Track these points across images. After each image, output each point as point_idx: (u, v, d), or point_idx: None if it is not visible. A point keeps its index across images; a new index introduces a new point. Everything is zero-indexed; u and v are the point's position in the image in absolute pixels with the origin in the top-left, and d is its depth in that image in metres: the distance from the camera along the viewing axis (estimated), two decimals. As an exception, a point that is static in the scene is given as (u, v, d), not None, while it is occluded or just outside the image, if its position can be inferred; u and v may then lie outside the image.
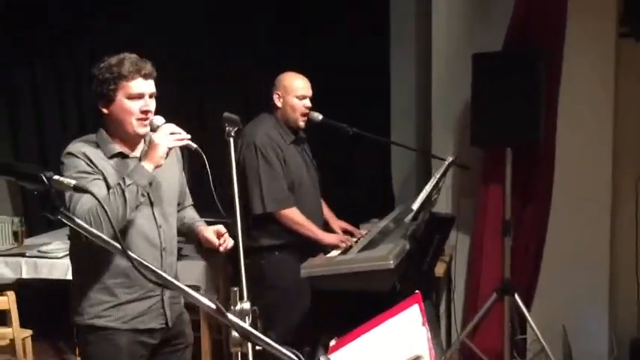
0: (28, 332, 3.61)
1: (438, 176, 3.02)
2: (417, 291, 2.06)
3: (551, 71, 3.69)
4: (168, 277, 1.15)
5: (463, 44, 4.00)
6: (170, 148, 2.18)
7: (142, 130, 2.20)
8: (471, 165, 3.78)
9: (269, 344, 1.03)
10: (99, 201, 1.24)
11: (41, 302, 4.48)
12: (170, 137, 2.16)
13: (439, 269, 3.67)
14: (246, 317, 1.39)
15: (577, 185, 3.90)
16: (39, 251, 4.04)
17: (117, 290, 2.21)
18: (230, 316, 1.06)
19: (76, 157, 2.14)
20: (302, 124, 3.28)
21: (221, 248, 2.34)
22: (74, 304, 2.26)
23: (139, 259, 1.15)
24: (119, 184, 2.10)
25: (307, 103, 3.26)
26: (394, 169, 4.69)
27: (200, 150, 2.18)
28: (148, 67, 2.20)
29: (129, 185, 2.08)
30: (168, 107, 2.42)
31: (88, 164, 2.14)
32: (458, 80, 3.98)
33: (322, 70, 4.37)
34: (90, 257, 2.18)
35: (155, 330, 2.31)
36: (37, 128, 5.33)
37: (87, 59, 5.04)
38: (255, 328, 1.22)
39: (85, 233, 1.14)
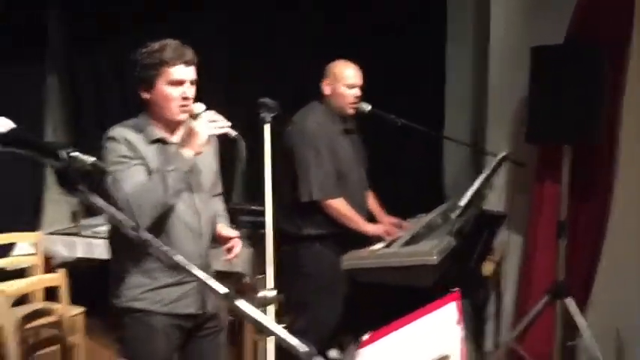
0: (81, 309, 3.73)
1: (488, 172, 2.93)
2: (456, 288, 2.01)
3: (615, 67, 3.51)
4: (176, 258, 1.13)
5: (523, 36, 3.85)
6: (210, 136, 2.19)
7: (181, 117, 2.21)
8: (525, 162, 3.64)
9: (282, 336, 0.99)
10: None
11: (96, 281, 4.62)
12: (210, 125, 2.17)
13: (487, 268, 3.57)
14: (270, 305, 1.37)
15: (639, 188, 3.72)
16: (93, 232, 4.17)
17: (156, 273, 2.23)
18: (241, 304, 1.04)
19: (118, 142, 2.16)
20: (351, 111, 3.24)
21: (228, 255, 2.37)
22: (112, 286, 2.29)
23: (157, 242, 1.14)
24: (160, 170, 2.12)
25: (357, 92, 3.22)
26: (446, 164, 4.58)
27: (240, 137, 2.20)
28: (190, 53, 2.21)
29: (170, 171, 2.10)
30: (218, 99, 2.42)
31: (128, 149, 2.16)
32: (516, 74, 3.84)
33: (377, 61, 4.33)
34: (130, 240, 2.19)
35: (192, 315, 2.33)
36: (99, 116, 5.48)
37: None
38: (280, 316, 1.20)
39: (105, 212, 1.14)
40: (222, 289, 1.07)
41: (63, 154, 1.07)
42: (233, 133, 2.18)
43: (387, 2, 4.45)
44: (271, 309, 1.42)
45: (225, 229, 2.43)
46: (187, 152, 2.14)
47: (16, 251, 4.21)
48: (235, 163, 2.28)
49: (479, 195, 3.00)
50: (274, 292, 1.40)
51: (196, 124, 2.16)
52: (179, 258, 1.12)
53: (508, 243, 4.03)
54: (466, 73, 4.52)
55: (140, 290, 2.24)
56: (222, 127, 2.19)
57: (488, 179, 3.00)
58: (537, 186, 3.87)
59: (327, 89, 3.23)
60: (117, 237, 2.29)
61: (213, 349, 2.43)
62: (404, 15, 4.46)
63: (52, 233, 4.27)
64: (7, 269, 4.34)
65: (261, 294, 1.39)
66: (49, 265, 5.02)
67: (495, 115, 4.10)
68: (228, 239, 2.39)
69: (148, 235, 1.11)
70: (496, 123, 4.10)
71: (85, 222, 4.51)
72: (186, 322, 2.32)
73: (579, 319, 3.53)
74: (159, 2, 4.89)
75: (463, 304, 1.85)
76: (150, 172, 2.15)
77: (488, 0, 4.05)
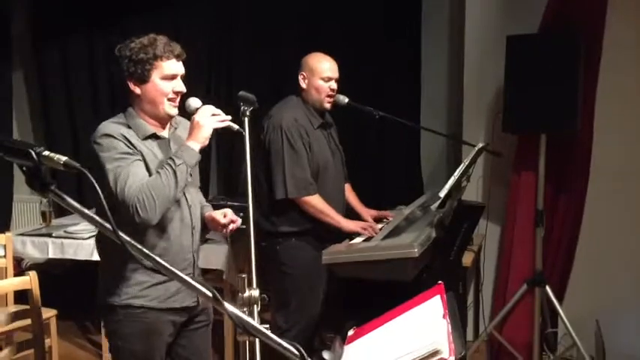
0: (53, 312, 3.64)
1: (466, 163, 2.91)
2: (439, 282, 1.99)
3: (589, 57, 3.53)
4: (161, 261, 1.09)
5: (497, 27, 3.87)
6: (215, 129, 2.18)
7: (172, 111, 2.22)
8: (503, 152, 3.64)
9: (268, 336, 0.95)
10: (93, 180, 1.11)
11: (68, 282, 4.52)
12: (213, 118, 2.16)
13: (467, 259, 3.56)
14: (255, 305, 1.33)
15: (614, 176, 3.75)
16: (65, 232, 4.07)
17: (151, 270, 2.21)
18: (227, 305, 1.00)
19: (115, 138, 2.12)
20: (327, 105, 3.19)
21: (227, 227, 2.32)
22: (107, 284, 2.25)
23: (132, 241, 1.09)
24: (169, 164, 2.10)
25: (333, 85, 3.17)
26: (424, 155, 4.57)
27: (243, 131, 2.15)
28: (179, 48, 2.22)
29: (179, 165, 2.10)
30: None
31: (127, 145, 2.13)
32: (491, 64, 3.85)
33: (352, 53, 4.31)
34: (132, 237, 2.15)
35: (187, 308, 2.32)
36: (67, 109, 5.36)
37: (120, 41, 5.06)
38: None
39: (78, 212, 1.08)
40: (207, 290, 1.02)
41: (34, 153, 1.01)
42: (235, 126, 2.15)
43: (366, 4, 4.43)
44: (256, 309, 1.38)
45: (215, 212, 2.39)
46: (194, 145, 2.14)
47: (-15, 252, 4.09)
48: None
49: (458, 186, 2.99)
50: (258, 292, 1.35)
51: (199, 118, 2.15)
52: (160, 259, 1.06)
53: (486, 233, 4.03)
54: (441, 63, 4.52)
55: (140, 287, 2.22)
56: (224, 121, 2.18)
57: (466, 170, 2.98)
58: (515, 176, 3.87)
59: (303, 82, 3.18)
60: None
61: (203, 342, 2.43)
62: (379, 5, 4.42)
63: (22, 234, 4.15)
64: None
65: (246, 293, 1.35)
66: (20, 267, 4.93)
67: (472, 105, 4.10)
68: (222, 219, 2.33)
69: (126, 237, 1.05)
70: (473, 113, 4.11)
71: (56, 222, 4.40)
72: (180, 317, 2.32)
73: (557, 308, 3.56)
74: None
75: (448, 296, 1.82)
76: (147, 167, 2.14)
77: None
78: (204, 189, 5.06)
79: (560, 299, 3.76)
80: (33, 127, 5.65)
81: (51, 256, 4.05)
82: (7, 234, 3.79)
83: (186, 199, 2.29)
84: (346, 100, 3.20)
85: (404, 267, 2.63)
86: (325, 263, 2.78)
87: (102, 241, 2.31)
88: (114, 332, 2.28)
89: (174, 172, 2.08)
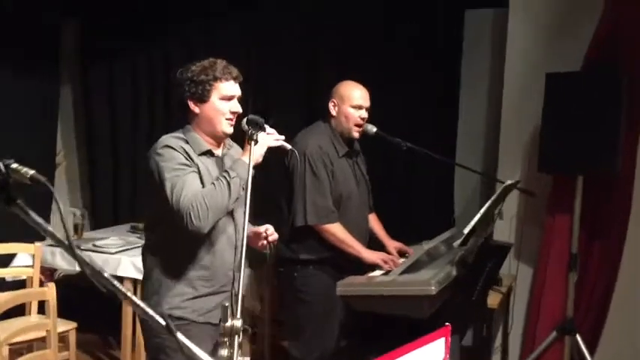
0: (73, 325, 3.66)
1: (492, 200, 2.81)
2: (447, 324, 1.91)
3: (632, 94, 3.39)
4: (119, 286, 1.06)
5: (538, 63, 3.76)
6: (269, 147, 2.25)
7: (228, 130, 2.32)
8: (536, 192, 3.51)
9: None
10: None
11: (95, 296, 4.56)
12: (268, 137, 2.25)
13: (493, 300, 3.43)
14: (237, 335, 1.28)
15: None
16: (94, 245, 4.11)
17: (197, 283, 2.28)
18: (180, 336, 0.96)
19: (175, 149, 2.22)
20: (356, 134, 3.15)
21: (267, 239, 2.38)
22: (150, 294, 2.30)
23: (88, 261, 1.06)
24: (224, 176, 2.19)
25: (363, 114, 3.13)
26: (457, 190, 4.46)
27: (295, 151, 2.32)
28: (236, 71, 2.33)
29: (233, 178, 2.18)
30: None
31: (185, 157, 2.22)
32: (531, 101, 3.74)
33: (389, 84, 4.27)
34: (175, 249, 2.27)
35: None
36: (112, 124, 5.47)
37: (161, 61, 5.17)
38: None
39: (38, 228, 1.06)
40: (161, 319, 0.99)
41: (2, 166, 1.00)
42: (288, 146, 2.26)
43: (402, 29, 4.39)
44: (237, 339, 1.32)
45: (254, 227, 2.43)
46: (247, 161, 2.18)
47: (16, 262, 4.17)
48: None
49: (484, 224, 2.89)
50: (241, 322, 1.30)
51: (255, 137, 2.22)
52: (116, 283, 1.03)
53: (517, 274, 3.89)
54: (480, 98, 4.41)
55: (181, 299, 2.27)
56: (278, 140, 2.27)
57: (493, 208, 2.88)
58: (549, 217, 3.74)
59: (333, 109, 3.15)
60: (161, 246, 2.32)
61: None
62: (419, 42, 4.37)
63: (52, 245, 4.21)
64: (7, 280, 4.33)
65: (228, 323, 1.30)
66: (52, 278, 5.01)
67: (508, 141, 3.99)
68: (260, 233, 2.39)
69: (83, 256, 1.03)
70: (509, 150, 3.99)
71: (87, 235, 4.47)
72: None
73: (587, 359, 3.38)
74: (168, 12, 4.90)
75: (452, 340, 1.74)
76: (201, 180, 2.22)
77: (505, 27, 3.96)
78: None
79: (592, 350, 3.58)
80: (77, 143, 5.78)
81: (78, 268, 4.09)
82: (37, 244, 3.85)
83: (234, 218, 2.35)
84: (374, 129, 3.15)
85: (420, 304, 2.54)
86: (339, 294, 2.71)
87: (156, 251, 2.36)
88: (156, 346, 2.28)
89: (228, 184, 2.17)
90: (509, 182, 3.01)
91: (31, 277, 3.86)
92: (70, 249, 1.03)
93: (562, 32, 3.74)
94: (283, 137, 2.30)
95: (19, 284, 4.16)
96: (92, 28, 5.35)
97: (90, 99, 5.52)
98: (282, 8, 4.65)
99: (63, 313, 3.41)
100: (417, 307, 2.55)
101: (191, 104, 2.29)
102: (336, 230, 3.04)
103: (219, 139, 2.36)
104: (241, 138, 2.34)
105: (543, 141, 3.45)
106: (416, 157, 4.03)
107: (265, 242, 2.37)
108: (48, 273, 5.02)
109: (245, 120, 2.24)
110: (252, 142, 2.14)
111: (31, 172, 1.05)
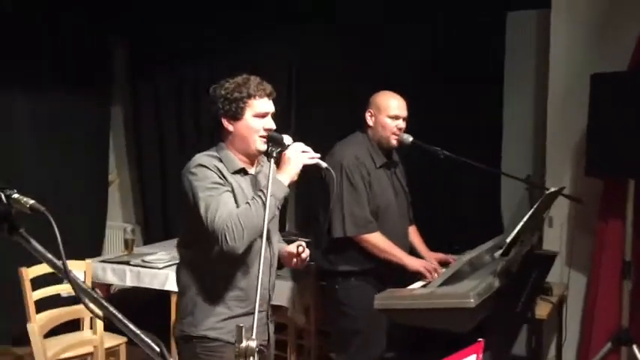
0: (123, 339, 3.73)
1: (535, 208, 2.72)
2: (480, 339, 1.86)
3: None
4: (111, 308, 1.07)
5: (583, 65, 3.63)
6: (305, 165, 2.21)
7: (262, 147, 2.27)
8: (583, 198, 3.39)
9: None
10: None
11: (148, 310, 4.66)
12: (303, 155, 2.21)
13: (542, 311, 3.32)
14: (251, 356, 1.27)
15: None
16: (143, 260, 4.20)
17: (231, 303, 2.26)
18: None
19: (209, 169, 2.19)
20: (394, 142, 3.12)
21: (300, 256, 2.33)
22: (186, 314, 2.28)
23: (81, 284, 1.07)
24: (259, 195, 2.15)
25: (401, 124, 3.10)
26: (504, 197, 4.34)
27: (331, 169, 2.26)
28: (270, 87, 2.31)
29: (269, 197, 2.10)
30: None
31: (219, 176, 2.20)
32: (577, 104, 3.62)
33: (431, 92, 4.22)
34: (209, 269, 2.24)
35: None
36: (160, 142, 5.60)
37: (207, 79, 5.26)
38: None
39: (38, 256, 1.09)
40: (155, 345, 0.99)
41: (3, 196, 1.03)
42: (323, 164, 2.23)
43: (442, 36, 4.33)
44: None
45: (290, 246, 2.40)
46: (283, 179, 2.17)
47: (70, 278, 4.29)
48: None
49: (528, 232, 2.80)
50: (256, 342, 1.30)
51: (291, 154, 2.20)
52: (110, 307, 1.04)
53: (569, 283, 3.75)
54: (525, 103, 4.29)
55: (216, 319, 2.25)
56: (313, 158, 2.23)
57: (536, 216, 2.79)
58: (601, 223, 3.60)
59: (370, 120, 3.13)
60: (196, 265, 2.28)
61: None
62: (460, 47, 4.29)
63: (103, 261, 4.33)
64: (63, 296, 4.47)
65: (243, 344, 1.30)
66: (108, 292, 5.15)
67: (555, 147, 3.87)
68: (293, 253, 2.35)
69: (74, 276, 1.04)
70: (556, 155, 3.88)
71: (137, 250, 4.57)
72: None
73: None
74: (214, 31, 4.98)
75: (485, 356, 1.69)
76: (235, 200, 2.19)
77: (548, 28, 3.86)
78: (282, 224, 5.11)
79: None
80: (128, 160, 5.94)
81: (128, 283, 4.19)
82: (87, 261, 3.95)
83: (268, 236, 2.26)
84: (410, 138, 3.11)
85: (459, 317, 2.47)
86: (377, 308, 2.67)
87: (180, 271, 2.35)
88: None
89: (264, 203, 2.09)
90: (552, 189, 2.91)
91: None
92: (64, 274, 1.05)
93: (607, 31, 3.62)
94: (319, 155, 2.25)
95: (74, 300, 4.28)
96: (140, 48, 5.51)
97: (139, 117, 5.67)
98: (325, 22, 4.66)
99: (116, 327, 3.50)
100: (456, 321, 2.48)
101: (225, 122, 2.27)
102: (377, 240, 3.02)
103: (252, 157, 2.32)
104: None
105: (590, 144, 3.33)
106: (460, 166, 3.97)
107: (298, 260, 2.33)
108: (104, 288, 5.18)
109: (261, 138, 2.22)
110: (273, 160, 2.11)
111: (31, 201, 1.08)
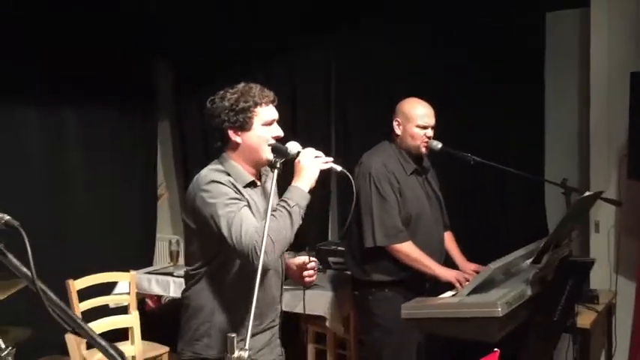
0: (165, 349, 3.81)
1: (568, 214, 2.63)
2: (495, 350, 1.81)
3: None
4: (78, 321, 1.09)
5: (626, 63, 3.50)
6: (321, 170, 2.14)
7: (271, 156, 2.17)
8: (630, 202, 3.25)
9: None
10: None
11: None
12: (318, 160, 2.13)
13: (585, 320, 3.20)
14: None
15: None
16: (185, 272, 4.27)
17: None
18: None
19: (223, 184, 2.10)
20: (424, 150, 3.08)
21: (306, 278, 2.28)
22: (200, 336, 2.18)
23: (52, 295, 1.10)
24: (283, 206, 2.05)
25: (429, 132, 3.06)
26: (549, 202, 4.19)
27: (346, 172, 2.17)
28: (272, 94, 2.23)
29: (293, 206, 2.05)
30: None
31: (235, 191, 2.11)
32: (621, 104, 3.48)
33: (469, 98, 4.14)
34: (227, 287, 2.15)
35: None
36: (204, 156, 5.71)
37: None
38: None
39: (15, 271, 1.12)
40: (118, 358, 1.01)
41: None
42: (338, 168, 2.15)
43: (483, 36, 4.24)
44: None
45: (297, 258, 2.35)
46: (303, 186, 2.10)
47: (117, 289, 4.42)
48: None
49: (563, 238, 2.71)
50: (248, 353, 1.30)
51: (304, 160, 2.13)
52: (78, 319, 1.07)
53: (616, 291, 3.60)
54: (568, 105, 4.15)
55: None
56: (327, 162, 2.15)
57: (571, 222, 2.69)
58: (648, 228, 3.45)
59: (397, 129, 3.11)
60: (208, 285, 2.18)
61: None
62: (500, 49, 4.20)
63: (149, 272, 4.45)
64: (111, 307, 4.60)
65: (235, 354, 1.30)
66: (159, 302, 5.28)
67: (599, 148, 3.74)
68: (304, 266, 2.29)
69: (43, 287, 1.07)
70: (600, 158, 3.74)
71: (182, 262, 4.65)
72: None
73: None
74: (251, 45, 5.05)
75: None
76: (252, 213, 2.10)
77: (588, 27, 3.74)
78: (324, 233, 5.11)
79: None
80: (176, 174, 6.09)
81: (172, 294, 4.29)
82: (132, 272, 4.06)
83: None
84: (440, 145, 3.07)
85: (487, 327, 2.39)
86: (404, 317, 2.63)
87: (191, 291, 2.23)
88: None
89: (290, 214, 2.03)
90: (587, 194, 2.81)
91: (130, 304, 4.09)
92: (34, 285, 1.07)
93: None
94: (332, 159, 2.16)
95: (122, 310, 4.41)
96: (183, 64, 5.65)
97: (184, 133, 5.81)
98: (363, 22, 4.66)
99: (168, 337, 3.56)
100: (484, 330, 2.40)
101: (231, 133, 2.16)
102: (408, 249, 2.98)
103: (260, 167, 2.25)
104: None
105: (632, 145, 3.20)
106: (501, 172, 3.86)
107: (306, 277, 2.27)
108: (155, 299, 5.31)
109: (270, 147, 2.15)
110: (276, 170, 2.05)
111: (6, 217, 1.12)
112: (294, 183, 2.11)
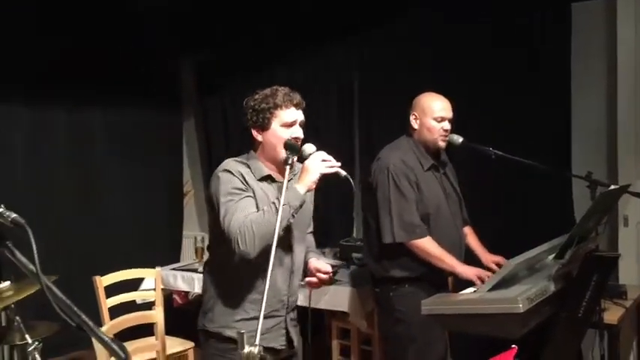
0: (190, 344, 3.85)
1: (591, 208, 2.57)
2: (513, 346, 1.79)
3: None
4: (83, 316, 1.10)
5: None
6: (323, 174, 2.23)
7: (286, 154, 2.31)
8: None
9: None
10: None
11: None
12: (322, 164, 2.23)
13: (613, 316, 3.13)
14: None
15: None
16: (210, 268, 4.32)
17: (248, 306, 2.32)
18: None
19: (233, 174, 2.27)
20: (442, 144, 3.05)
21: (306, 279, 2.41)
22: (207, 309, 2.38)
23: (59, 294, 1.11)
24: (274, 203, 2.19)
25: (446, 125, 3.03)
26: (577, 196, 4.10)
27: (350, 178, 2.24)
28: (298, 97, 2.37)
29: (283, 205, 2.14)
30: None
31: (242, 182, 2.26)
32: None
33: (493, 89, 4.09)
34: (229, 271, 2.30)
35: (274, 350, 2.36)
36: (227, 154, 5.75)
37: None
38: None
39: (22, 268, 1.14)
40: (121, 352, 1.02)
41: (-12, 209, 1.09)
42: (343, 173, 2.23)
43: (506, 31, 4.18)
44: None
45: (319, 262, 2.45)
46: (300, 188, 2.22)
47: (144, 285, 4.47)
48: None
49: (587, 233, 2.66)
50: (258, 349, 1.30)
51: (309, 163, 2.24)
52: (82, 315, 1.08)
53: (647, 286, 3.53)
54: (595, 96, 4.06)
55: (233, 318, 2.31)
56: (333, 167, 2.23)
57: (596, 216, 2.64)
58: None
59: (414, 123, 3.08)
60: (222, 266, 2.34)
61: None
62: (525, 42, 4.13)
63: (174, 269, 4.49)
64: (138, 302, 4.67)
65: (246, 350, 1.31)
66: (186, 298, 5.33)
67: (626, 140, 3.66)
68: (320, 272, 2.40)
69: (49, 284, 1.09)
70: (627, 150, 3.66)
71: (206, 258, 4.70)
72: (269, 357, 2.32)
73: None
74: (275, 45, 5.07)
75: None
76: (257, 206, 2.24)
77: (614, 17, 3.65)
78: (348, 231, 5.10)
79: None
80: (202, 171, 6.14)
81: (197, 290, 4.33)
82: (158, 269, 4.11)
83: (290, 242, 2.36)
84: (460, 139, 3.04)
85: (508, 323, 2.36)
86: (424, 314, 2.61)
87: (215, 270, 2.41)
88: (204, 357, 2.38)
89: (277, 211, 2.12)
90: (612, 187, 2.75)
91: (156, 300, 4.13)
92: (38, 280, 1.09)
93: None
94: (339, 164, 2.24)
95: (149, 306, 4.46)
96: (207, 65, 5.70)
97: (208, 130, 5.86)
98: (386, 26, 4.63)
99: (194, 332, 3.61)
100: (506, 327, 2.37)
101: (254, 132, 2.35)
102: (427, 245, 2.95)
103: (279, 164, 2.36)
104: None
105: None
106: (527, 168, 3.79)
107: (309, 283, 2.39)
108: (182, 295, 5.37)
109: (283, 144, 2.26)
110: (288, 167, 2.13)
111: (13, 215, 1.14)
112: (294, 183, 2.25)
